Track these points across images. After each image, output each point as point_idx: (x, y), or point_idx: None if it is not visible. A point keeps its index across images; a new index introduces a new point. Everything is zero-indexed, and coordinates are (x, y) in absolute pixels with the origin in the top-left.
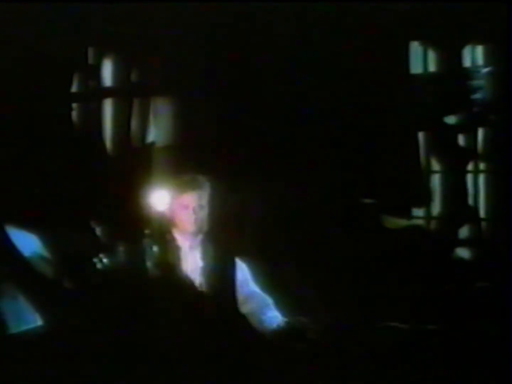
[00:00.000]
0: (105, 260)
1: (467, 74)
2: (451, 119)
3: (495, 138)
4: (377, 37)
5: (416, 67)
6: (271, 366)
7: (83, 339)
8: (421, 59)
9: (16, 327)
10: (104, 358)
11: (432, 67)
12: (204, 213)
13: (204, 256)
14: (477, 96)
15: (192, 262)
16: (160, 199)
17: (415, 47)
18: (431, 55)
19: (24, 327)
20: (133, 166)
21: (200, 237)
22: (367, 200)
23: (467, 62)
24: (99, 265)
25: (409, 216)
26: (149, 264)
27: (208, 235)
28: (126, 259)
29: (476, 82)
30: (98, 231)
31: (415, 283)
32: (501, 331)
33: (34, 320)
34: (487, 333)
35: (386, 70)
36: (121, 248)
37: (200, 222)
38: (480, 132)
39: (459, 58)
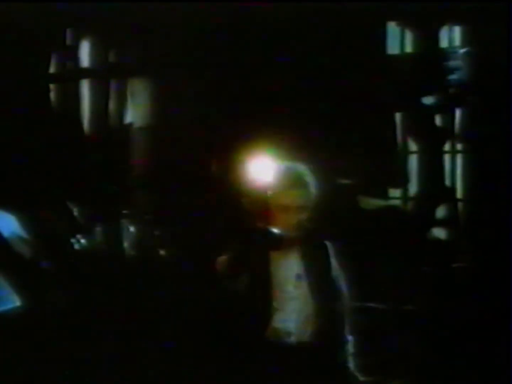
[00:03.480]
0: (82, 241)
1: (444, 54)
2: (428, 100)
3: (472, 118)
4: (354, 17)
5: (393, 48)
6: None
7: (61, 319)
8: (398, 40)
9: None
10: (82, 337)
11: (409, 48)
12: (306, 216)
13: (304, 263)
14: (454, 76)
15: (286, 270)
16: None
17: (392, 28)
18: (408, 36)
19: (2, 308)
20: (111, 146)
21: (299, 241)
22: (344, 181)
23: (444, 43)
24: (76, 246)
25: (386, 196)
26: (126, 244)
27: (310, 240)
28: (104, 240)
29: (453, 63)
30: (76, 212)
31: (391, 263)
32: (477, 308)
33: (12, 300)
34: (463, 312)
35: (363, 51)
36: (98, 229)
37: (301, 226)
38: (457, 113)
39: (436, 38)
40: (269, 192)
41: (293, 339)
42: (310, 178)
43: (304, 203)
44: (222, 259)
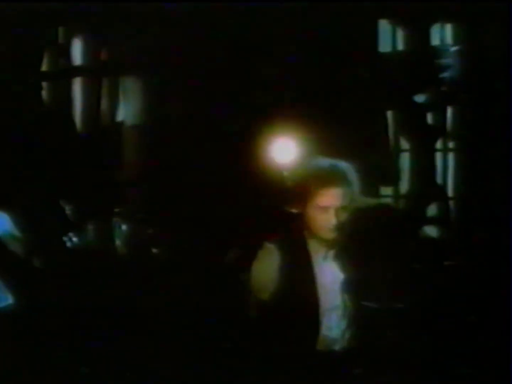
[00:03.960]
0: (75, 239)
1: (436, 52)
2: (420, 98)
3: (464, 116)
4: (345, 15)
5: (385, 46)
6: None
7: (53, 317)
8: (390, 37)
9: None
10: (74, 335)
11: (401, 46)
12: (347, 216)
13: (345, 269)
14: (446, 74)
15: (327, 275)
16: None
17: (384, 25)
18: (400, 33)
19: None
20: (103, 144)
21: (339, 245)
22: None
23: (436, 41)
24: (69, 244)
25: (378, 194)
26: (117, 242)
27: (351, 244)
28: (96, 238)
29: (445, 61)
30: (68, 210)
31: (382, 262)
32: (469, 307)
33: (5, 298)
34: (456, 310)
35: (355, 48)
36: (90, 227)
37: (342, 228)
38: (449, 111)
39: (428, 36)
40: (305, 190)
41: (338, 346)
42: (353, 176)
43: (346, 203)
44: (233, 254)
